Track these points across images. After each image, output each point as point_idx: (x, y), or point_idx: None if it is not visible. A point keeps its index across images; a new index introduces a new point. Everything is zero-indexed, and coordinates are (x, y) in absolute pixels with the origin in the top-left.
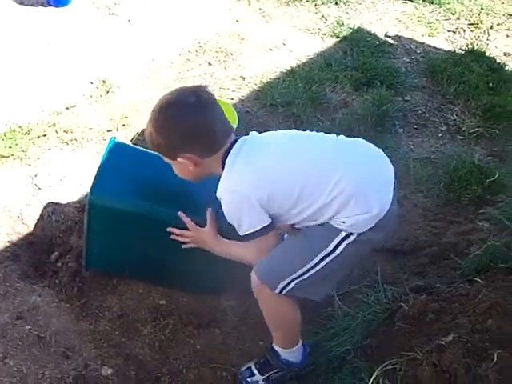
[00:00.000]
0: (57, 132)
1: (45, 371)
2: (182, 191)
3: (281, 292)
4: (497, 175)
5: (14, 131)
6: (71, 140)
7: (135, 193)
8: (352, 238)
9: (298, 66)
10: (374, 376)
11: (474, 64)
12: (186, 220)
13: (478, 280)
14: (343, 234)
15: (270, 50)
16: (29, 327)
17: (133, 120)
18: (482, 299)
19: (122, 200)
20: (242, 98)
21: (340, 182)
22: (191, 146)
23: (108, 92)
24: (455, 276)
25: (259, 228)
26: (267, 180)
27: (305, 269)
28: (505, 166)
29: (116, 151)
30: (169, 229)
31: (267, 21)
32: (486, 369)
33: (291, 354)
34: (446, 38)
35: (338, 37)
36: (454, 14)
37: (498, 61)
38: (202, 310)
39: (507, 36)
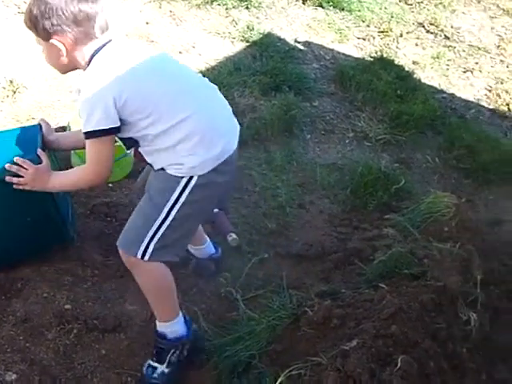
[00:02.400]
0: None
1: None
2: None
3: (143, 257)
4: (403, 182)
5: None
6: None
7: None
8: (193, 182)
9: (207, 69)
10: (278, 381)
11: (382, 71)
12: (21, 160)
13: (383, 286)
14: (184, 180)
15: (180, 52)
16: None
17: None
18: (386, 305)
19: None
20: None
21: (191, 116)
22: (70, 29)
23: (15, 92)
24: (360, 282)
25: (107, 128)
26: (129, 83)
27: (156, 225)
28: (411, 172)
29: None
30: (7, 178)
31: (177, 24)
32: (390, 374)
33: (175, 327)
34: (355, 45)
35: (247, 41)
36: (364, 22)
37: (407, 69)
38: (107, 314)
39: (416, 45)
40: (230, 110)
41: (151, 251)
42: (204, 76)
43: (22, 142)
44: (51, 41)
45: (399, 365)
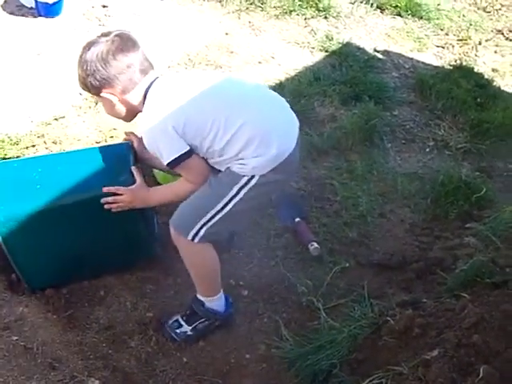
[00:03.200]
0: (45, 143)
1: (31, 382)
2: (70, 178)
3: (193, 239)
4: (484, 190)
5: (3, 141)
6: (60, 151)
7: (35, 195)
8: (253, 181)
9: (287, 79)
10: None
11: (461, 79)
12: (114, 188)
13: (464, 295)
14: (245, 178)
15: (259, 63)
16: (16, 338)
17: (121, 132)
18: (467, 314)
19: (21, 205)
20: None
21: (248, 121)
22: (110, 81)
23: (97, 103)
24: (441, 291)
25: (178, 155)
26: (183, 109)
27: (212, 213)
28: (492, 181)
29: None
30: (103, 200)
31: (257, 34)
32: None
33: (214, 302)
34: (434, 54)
35: (327, 51)
36: (442, 30)
37: (486, 76)
38: None
39: (495, 52)
40: (290, 111)
41: (201, 235)
42: (284, 86)
43: (114, 160)
44: (102, 94)
45: (481, 375)
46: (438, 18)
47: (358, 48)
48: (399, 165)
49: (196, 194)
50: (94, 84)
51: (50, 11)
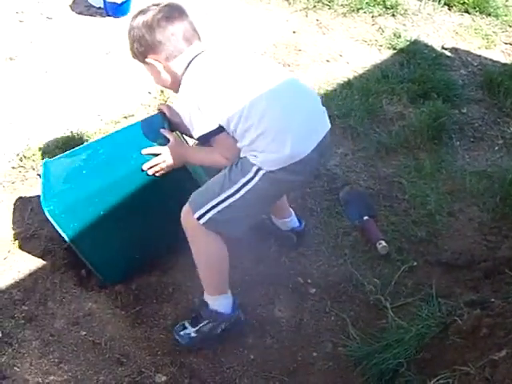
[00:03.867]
0: None
1: (99, 377)
2: (113, 157)
3: (200, 219)
4: None
5: (73, 138)
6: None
7: (83, 180)
8: (261, 173)
9: (355, 77)
10: None
11: None
12: (147, 150)
13: None
14: (255, 168)
15: (327, 61)
16: (84, 333)
17: None
18: None
19: (72, 192)
20: None
21: (266, 116)
22: (154, 48)
23: (166, 102)
24: (510, 291)
25: (208, 131)
26: (218, 89)
27: (223, 196)
28: None
29: (49, 166)
30: (144, 166)
31: (324, 32)
32: None
33: (220, 302)
34: (502, 51)
35: (394, 49)
36: (511, 27)
37: None
38: (256, 319)
39: None
40: (320, 113)
41: (208, 217)
42: (352, 84)
43: (151, 131)
44: (147, 60)
45: None
46: (506, 15)
47: (426, 45)
48: (468, 163)
49: (213, 178)
50: (139, 50)
51: (118, 11)
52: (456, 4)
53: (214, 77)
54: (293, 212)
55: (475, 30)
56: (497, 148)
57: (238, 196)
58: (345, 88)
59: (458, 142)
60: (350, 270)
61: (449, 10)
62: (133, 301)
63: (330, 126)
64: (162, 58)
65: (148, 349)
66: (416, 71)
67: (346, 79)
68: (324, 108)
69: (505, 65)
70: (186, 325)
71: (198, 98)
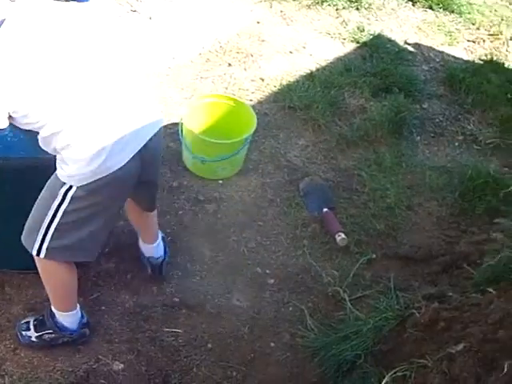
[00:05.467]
0: None
1: (56, 364)
2: None
3: (39, 254)
4: None
5: None
6: None
7: None
8: (71, 192)
9: (318, 69)
10: (383, 382)
11: (492, 75)
12: None
13: (490, 290)
14: (66, 186)
15: (291, 52)
16: None
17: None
18: (493, 309)
19: None
20: (261, 100)
21: (74, 116)
22: None
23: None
24: (467, 285)
25: None
26: (13, 67)
27: (46, 222)
28: None
29: None
30: None
31: (288, 23)
32: (496, 379)
33: (66, 318)
34: (465, 48)
35: (358, 42)
36: (474, 24)
37: None
38: (214, 309)
39: None
40: (142, 116)
41: (46, 249)
42: (314, 76)
43: None
44: None
45: (505, 370)
46: (469, 13)
47: (389, 40)
48: (428, 158)
49: (36, 203)
50: None
51: None
52: (420, 0)
53: (19, 56)
54: (159, 238)
55: (438, 26)
56: (457, 144)
57: (59, 216)
58: (307, 80)
59: (419, 137)
60: (308, 262)
61: (413, 5)
62: (91, 287)
63: (157, 128)
64: None
65: (105, 336)
66: (378, 65)
67: (308, 71)
68: (152, 109)
69: (467, 62)
70: (30, 326)
71: None
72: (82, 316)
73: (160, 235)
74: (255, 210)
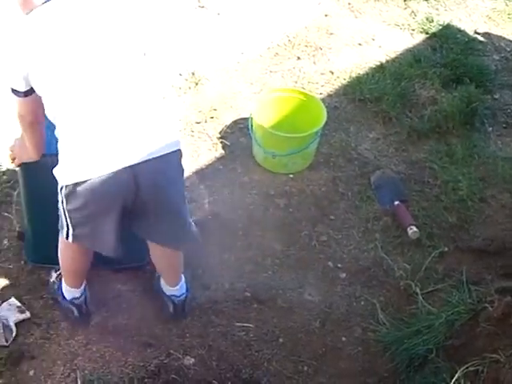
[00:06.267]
0: None
1: (127, 358)
2: None
3: (67, 238)
4: None
5: None
6: None
7: None
8: (63, 189)
9: (387, 61)
10: (455, 377)
11: None
12: None
13: None
14: (59, 185)
15: (359, 44)
16: (113, 314)
17: (221, 113)
18: None
19: None
20: (331, 93)
21: (74, 107)
22: None
23: (197, 84)
24: None
25: (14, 89)
26: (35, 55)
27: (61, 210)
28: None
29: None
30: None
31: (356, 16)
32: None
33: (66, 289)
34: None
35: (427, 33)
36: None
37: None
38: (285, 303)
39: None
40: (147, 134)
41: (72, 235)
42: (384, 68)
43: None
44: None
45: None
46: None
47: (459, 30)
48: (500, 149)
49: None
50: None
51: None
52: None
53: (40, 39)
54: (182, 280)
55: (508, 15)
56: None
57: (64, 208)
58: (377, 72)
59: (491, 128)
60: (380, 255)
61: None
62: None
63: (163, 152)
64: None
65: (176, 331)
66: (448, 56)
67: (378, 63)
68: (161, 132)
69: None
70: (54, 273)
71: (16, 56)
72: (80, 298)
73: (183, 277)
74: (326, 203)
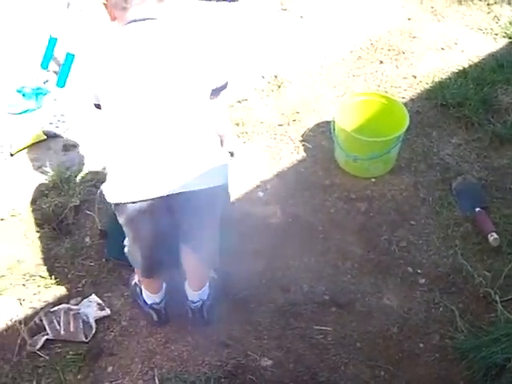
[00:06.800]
0: None
1: (205, 358)
2: None
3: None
4: None
5: None
6: (242, 133)
7: None
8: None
9: (470, 66)
10: None
11: None
12: None
13: None
14: None
15: (442, 49)
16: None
17: (304, 116)
18: None
19: None
20: (413, 98)
21: (124, 129)
22: None
23: (279, 87)
24: None
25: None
26: (102, 77)
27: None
28: None
29: None
30: None
31: (439, 19)
32: None
33: (146, 294)
34: None
35: (510, 37)
36: None
37: None
38: (363, 308)
39: None
40: (189, 165)
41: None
42: (467, 73)
43: None
44: (103, 2)
45: None
46: None
47: None
48: None
49: None
50: None
51: None
52: None
53: (108, 63)
54: (206, 289)
55: None
56: None
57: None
58: (460, 77)
59: None
60: (460, 262)
61: None
62: (240, 285)
63: (204, 186)
64: (113, 10)
65: (254, 333)
66: None
67: (460, 68)
68: (210, 166)
69: None
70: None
71: (89, 77)
72: (160, 303)
73: (207, 285)
74: (407, 208)
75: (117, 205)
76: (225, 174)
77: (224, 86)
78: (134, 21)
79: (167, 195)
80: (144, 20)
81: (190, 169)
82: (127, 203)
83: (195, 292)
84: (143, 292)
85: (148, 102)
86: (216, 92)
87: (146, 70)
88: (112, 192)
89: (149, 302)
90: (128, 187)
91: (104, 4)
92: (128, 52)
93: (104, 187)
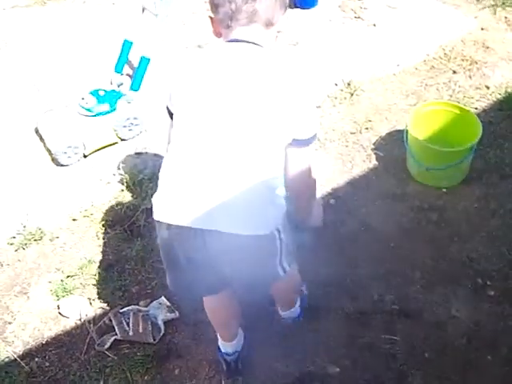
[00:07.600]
0: None
1: (272, 363)
2: None
3: None
4: None
5: None
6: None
7: None
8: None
9: None
10: None
11: None
12: None
13: None
14: None
15: None
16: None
17: (376, 124)
18: None
19: None
20: (486, 108)
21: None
22: (212, 11)
23: (352, 95)
24: None
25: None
26: (181, 89)
27: None
28: None
29: None
30: None
31: None
32: None
33: (220, 341)
34: None
35: None
36: None
37: None
38: (434, 319)
39: None
40: (233, 206)
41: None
42: None
43: None
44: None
45: None
46: None
47: None
48: None
49: None
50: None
51: (307, 2)
52: None
53: (190, 76)
54: (297, 305)
55: None
56: None
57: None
58: None
59: None
60: None
61: None
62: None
63: (248, 232)
64: (214, 22)
65: (323, 340)
66: None
67: None
68: (256, 212)
69: None
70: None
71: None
72: (231, 355)
73: (297, 304)
74: (478, 220)
75: (157, 222)
76: (269, 224)
77: (311, 140)
78: (237, 40)
79: (201, 229)
80: (248, 42)
81: (228, 209)
82: (162, 223)
83: (284, 312)
84: (218, 336)
85: (214, 129)
86: (300, 143)
87: (228, 92)
88: (156, 207)
89: (222, 350)
90: (169, 207)
91: (210, 18)
92: (215, 70)
93: (153, 199)
